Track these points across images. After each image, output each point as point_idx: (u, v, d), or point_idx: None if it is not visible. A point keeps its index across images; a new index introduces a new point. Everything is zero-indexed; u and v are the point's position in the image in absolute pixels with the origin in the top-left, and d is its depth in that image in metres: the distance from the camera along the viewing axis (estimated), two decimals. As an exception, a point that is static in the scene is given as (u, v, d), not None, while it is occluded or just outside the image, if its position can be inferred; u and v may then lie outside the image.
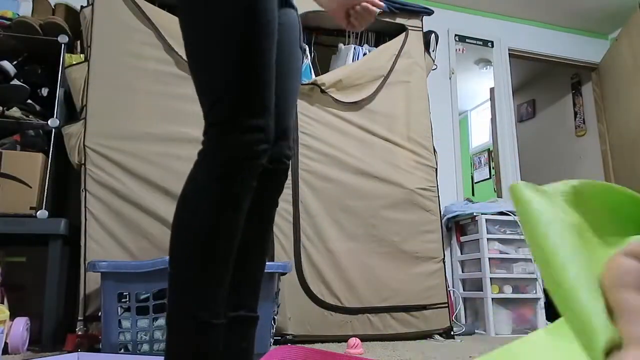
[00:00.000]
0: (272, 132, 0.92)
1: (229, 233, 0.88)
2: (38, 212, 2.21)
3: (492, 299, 3.04)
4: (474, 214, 3.20)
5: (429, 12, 3.03)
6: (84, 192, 2.23)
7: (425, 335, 2.58)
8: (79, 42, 2.61)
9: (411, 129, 2.81)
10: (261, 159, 0.90)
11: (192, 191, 0.89)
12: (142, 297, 1.79)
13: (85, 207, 2.22)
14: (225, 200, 0.87)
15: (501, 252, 3.16)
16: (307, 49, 2.84)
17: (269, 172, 1.04)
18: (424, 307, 2.59)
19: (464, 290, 3.32)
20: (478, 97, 5.92)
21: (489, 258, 3.09)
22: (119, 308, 1.79)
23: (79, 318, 2.12)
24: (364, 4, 1.17)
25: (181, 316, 0.87)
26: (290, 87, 1.12)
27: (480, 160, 6.25)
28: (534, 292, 3.15)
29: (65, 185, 2.52)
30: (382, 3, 1.20)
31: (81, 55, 2.51)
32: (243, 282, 1.02)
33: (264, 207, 1.08)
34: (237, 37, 0.88)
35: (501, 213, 3.21)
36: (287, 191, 2.49)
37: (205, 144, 0.90)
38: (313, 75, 2.75)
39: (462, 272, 3.37)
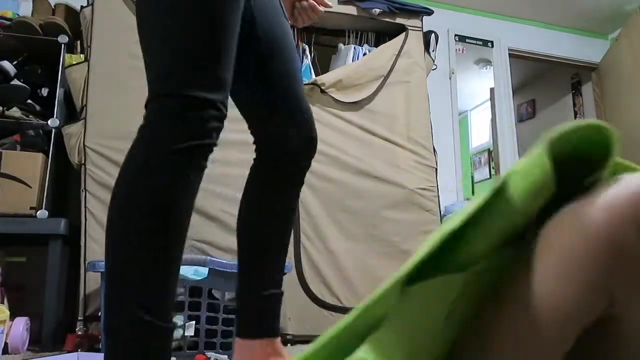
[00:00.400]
0: (225, 109, 0.84)
1: (172, 215, 0.79)
2: (38, 212, 2.21)
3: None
4: (474, 214, 3.19)
5: (429, 12, 3.03)
6: (84, 192, 2.23)
7: (425, 335, 2.58)
8: (79, 42, 2.61)
9: (411, 129, 2.81)
10: (212, 138, 0.82)
11: (132, 169, 0.80)
12: (142, 297, 1.79)
13: (85, 207, 2.22)
14: (170, 180, 0.79)
15: (501, 252, 3.15)
16: (307, 48, 2.84)
17: (295, 155, 1.06)
18: (424, 307, 2.59)
19: (464, 290, 3.32)
20: (478, 97, 5.92)
21: (489, 258, 3.08)
22: (119, 308, 1.79)
23: (79, 318, 2.12)
24: (312, 1, 1.15)
25: (118, 312, 0.77)
26: (291, 59, 1.08)
27: (480, 160, 6.25)
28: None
29: (65, 185, 2.52)
30: (330, 4, 1.18)
31: (81, 55, 2.51)
32: (270, 263, 1.07)
33: (284, 192, 1.08)
34: (188, 5, 0.82)
35: (501, 213, 3.20)
36: (287, 191, 2.49)
37: (149, 117, 0.82)
38: (313, 75, 2.75)
39: (462, 272, 3.36)
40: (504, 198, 0.30)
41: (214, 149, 0.84)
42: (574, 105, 4.73)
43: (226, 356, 1.71)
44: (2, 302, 2.01)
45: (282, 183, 1.08)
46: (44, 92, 2.54)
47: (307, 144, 1.07)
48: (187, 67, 0.81)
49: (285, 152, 1.06)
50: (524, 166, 0.30)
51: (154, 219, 0.78)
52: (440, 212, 2.80)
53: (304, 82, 2.65)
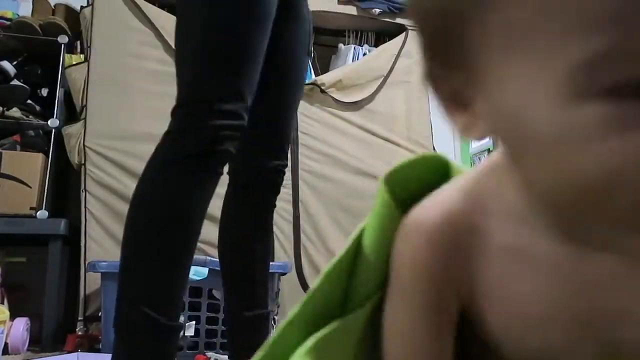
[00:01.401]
0: (242, 120, 0.89)
1: (187, 216, 0.86)
2: (38, 213, 2.21)
3: (492, 299, 3.04)
4: (474, 214, 3.20)
5: (429, 12, 3.03)
6: (84, 192, 2.23)
7: (426, 335, 2.58)
8: (79, 42, 2.61)
9: (411, 129, 2.81)
10: (225, 145, 0.87)
11: (153, 171, 0.87)
12: (142, 297, 1.79)
13: (85, 207, 2.22)
14: (186, 183, 0.85)
15: (501, 252, 3.15)
16: (307, 49, 2.84)
17: (263, 180, 1.08)
18: (424, 307, 2.59)
19: (464, 290, 3.32)
20: (478, 97, 5.91)
21: (489, 258, 3.09)
22: (119, 308, 1.79)
23: (79, 318, 2.12)
24: None
25: (127, 308, 0.83)
26: (296, 96, 1.14)
27: (480, 160, 6.26)
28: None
29: (65, 185, 2.52)
30: None
31: (81, 55, 2.51)
32: (253, 284, 1.08)
33: (260, 214, 1.11)
34: (220, 24, 0.89)
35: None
36: (287, 191, 2.49)
37: (171, 124, 0.88)
38: (313, 75, 2.75)
39: (462, 272, 3.37)
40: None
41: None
42: (574, 105, 4.74)
43: (226, 356, 1.71)
44: (2, 302, 2.01)
45: (256, 206, 1.11)
46: (44, 92, 2.54)
47: (277, 173, 1.10)
48: (211, 81, 0.88)
49: (258, 178, 1.08)
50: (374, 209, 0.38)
51: (167, 220, 0.84)
52: (440, 212, 2.80)
53: (304, 83, 2.65)
